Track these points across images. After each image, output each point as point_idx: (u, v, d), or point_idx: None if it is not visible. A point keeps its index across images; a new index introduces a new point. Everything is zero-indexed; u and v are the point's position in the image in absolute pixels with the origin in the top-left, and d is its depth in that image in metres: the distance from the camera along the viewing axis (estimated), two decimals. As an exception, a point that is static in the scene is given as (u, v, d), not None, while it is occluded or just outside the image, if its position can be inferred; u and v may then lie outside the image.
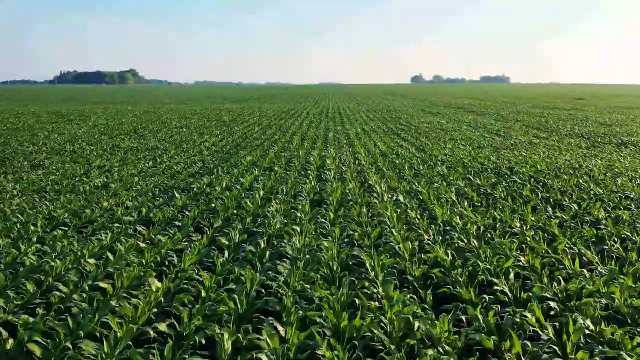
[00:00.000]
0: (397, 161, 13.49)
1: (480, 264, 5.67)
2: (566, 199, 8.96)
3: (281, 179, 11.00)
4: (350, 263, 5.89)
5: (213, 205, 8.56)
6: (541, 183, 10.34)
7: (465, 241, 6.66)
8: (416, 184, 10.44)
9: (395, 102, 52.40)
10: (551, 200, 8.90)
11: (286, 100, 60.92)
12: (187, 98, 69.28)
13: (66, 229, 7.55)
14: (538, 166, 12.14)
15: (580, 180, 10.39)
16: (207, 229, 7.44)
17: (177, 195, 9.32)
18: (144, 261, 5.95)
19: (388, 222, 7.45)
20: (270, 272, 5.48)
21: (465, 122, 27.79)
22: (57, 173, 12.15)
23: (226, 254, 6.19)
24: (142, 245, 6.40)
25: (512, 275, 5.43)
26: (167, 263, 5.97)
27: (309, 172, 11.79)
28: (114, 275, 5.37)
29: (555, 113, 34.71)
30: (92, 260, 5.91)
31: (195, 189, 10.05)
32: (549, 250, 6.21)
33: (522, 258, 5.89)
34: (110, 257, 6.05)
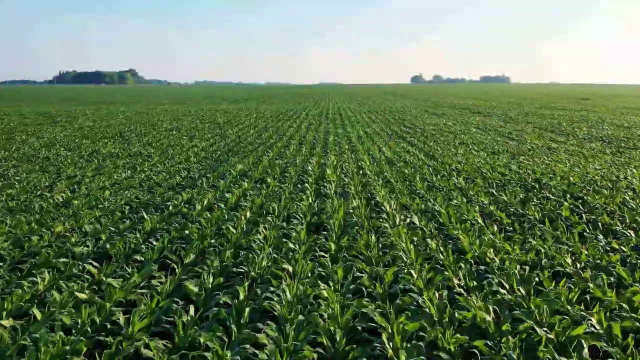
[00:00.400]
0: (407, 171, 11.92)
1: (538, 330, 4.11)
2: (617, 222, 7.40)
3: (274, 195, 9.43)
4: (360, 328, 4.33)
5: (187, 231, 6.98)
6: (580, 201, 8.76)
7: (507, 287, 5.10)
8: (432, 200, 8.88)
9: (397, 103, 50.86)
10: (599, 224, 7.33)
11: (285, 100, 59.37)
12: (185, 98, 67.75)
13: (1, 264, 6.01)
14: (570, 178, 10.56)
15: (626, 197, 8.82)
16: (175, 265, 5.88)
17: (146, 216, 7.75)
18: (79, 321, 4.40)
19: (404, 257, 5.89)
20: (246, 348, 3.91)
21: (472, 124, 26.26)
22: (18, 186, 10.58)
23: (192, 311, 4.62)
24: (82, 296, 4.82)
25: (586, 351, 3.87)
26: (109, 326, 4.41)
27: (306, 184, 10.23)
28: (26, 353, 3.81)
29: (566, 114, 33.15)
30: (8, 322, 4.36)
31: (170, 207, 8.48)
32: (624, 305, 4.65)
33: (592, 319, 4.33)
34: (38, 315, 4.50)
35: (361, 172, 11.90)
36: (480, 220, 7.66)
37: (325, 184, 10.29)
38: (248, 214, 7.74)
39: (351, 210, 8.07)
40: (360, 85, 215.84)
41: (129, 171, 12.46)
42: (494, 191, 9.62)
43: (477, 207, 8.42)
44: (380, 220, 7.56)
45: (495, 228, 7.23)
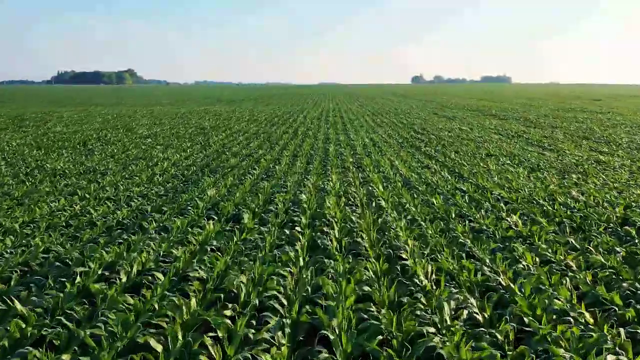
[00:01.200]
0: (435, 201, 8.80)
1: None
2: None
3: (247, 249, 6.30)
4: None
5: (70, 354, 3.84)
6: None
7: None
8: (488, 261, 5.78)
9: (401, 104, 47.77)
10: None
11: (283, 101, 56.27)
12: (180, 99, 64.63)
13: None
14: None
15: None
16: None
17: (20, 307, 4.61)
18: None
19: None
20: None
21: (491, 129, 23.19)
22: None
23: None
24: None
25: None
26: None
27: (297, 227, 7.11)
28: None
29: (590, 117, 30.03)
30: None
31: (78, 278, 5.35)
32: None
33: None
34: None
35: (373, 202, 8.77)
36: (584, 311, 4.54)
37: (324, 227, 7.15)
38: (193, 303, 4.59)
39: (366, 288, 4.94)
40: (360, 86, 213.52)
41: (64, 199, 9.34)
42: (573, 241, 6.51)
43: (567, 278, 5.28)
44: (418, 312, 4.43)
45: (623, 335, 4.11)
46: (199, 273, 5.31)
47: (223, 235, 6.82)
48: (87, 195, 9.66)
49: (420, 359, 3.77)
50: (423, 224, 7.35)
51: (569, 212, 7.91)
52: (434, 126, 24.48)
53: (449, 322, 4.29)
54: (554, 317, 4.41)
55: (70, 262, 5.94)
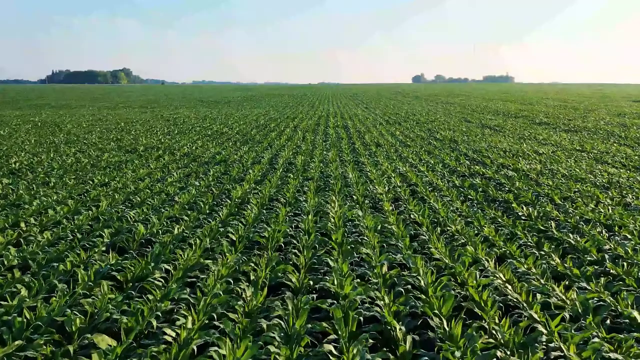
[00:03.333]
0: None
1: None
2: None
3: None
4: None
5: None
6: None
7: None
8: None
9: (416, 107, 39.19)
10: None
11: (275, 103, 47.62)
12: (160, 100, 55.93)
13: None
14: None
15: None
16: None
17: None
18: None
19: None
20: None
21: (577, 150, 14.83)
22: None
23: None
24: None
25: None
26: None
27: None
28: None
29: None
30: None
31: None
32: None
33: None
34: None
35: None
36: None
37: None
38: None
39: None
40: (360, 85, 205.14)
41: None
42: None
43: None
44: None
45: None
46: None
47: None
48: None
49: None
50: None
51: None
52: (488, 145, 16.05)
53: None
54: None
55: None
